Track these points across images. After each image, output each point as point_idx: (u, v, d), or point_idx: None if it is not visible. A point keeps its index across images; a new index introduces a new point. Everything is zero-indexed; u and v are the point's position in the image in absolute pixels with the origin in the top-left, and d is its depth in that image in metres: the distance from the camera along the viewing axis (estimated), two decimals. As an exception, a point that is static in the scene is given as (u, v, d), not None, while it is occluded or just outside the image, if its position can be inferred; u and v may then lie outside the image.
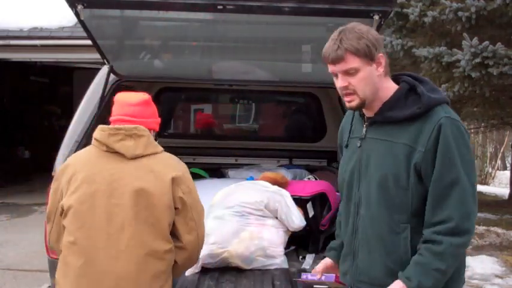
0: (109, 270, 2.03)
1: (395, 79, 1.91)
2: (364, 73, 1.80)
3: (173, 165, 2.22)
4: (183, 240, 2.19)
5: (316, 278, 2.15)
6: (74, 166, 2.17)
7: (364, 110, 1.92)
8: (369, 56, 1.79)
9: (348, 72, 1.80)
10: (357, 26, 1.83)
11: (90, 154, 2.20)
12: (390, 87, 1.88)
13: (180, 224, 2.18)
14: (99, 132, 2.18)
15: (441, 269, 1.76)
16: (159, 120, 2.39)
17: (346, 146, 2.03)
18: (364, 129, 1.93)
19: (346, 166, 2.00)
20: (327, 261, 2.19)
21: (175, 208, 2.16)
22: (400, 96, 1.86)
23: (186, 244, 2.20)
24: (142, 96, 2.34)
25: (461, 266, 1.91)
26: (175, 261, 2.21)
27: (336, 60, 1.80)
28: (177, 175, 2.16)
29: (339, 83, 1.84)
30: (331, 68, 1.85)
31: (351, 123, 2.02)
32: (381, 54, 1.82)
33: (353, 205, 1.96)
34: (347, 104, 1.88)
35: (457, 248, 1.77)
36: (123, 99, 2.31)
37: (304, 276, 2.22)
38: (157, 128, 2.37)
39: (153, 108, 2.36)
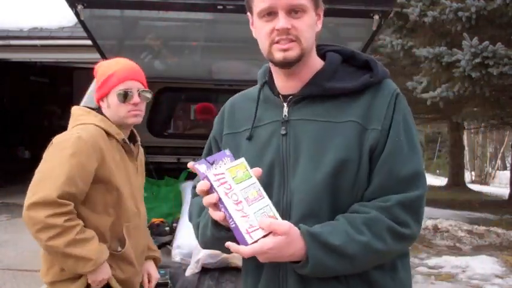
0: None
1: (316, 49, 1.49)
2: (310, 19, 1.36)
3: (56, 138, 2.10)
4: None
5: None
6: None
7: (280, 86, 1.46)
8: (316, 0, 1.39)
9: (293, 11, 1.33)
10: None
11: None
12: (316, 57, 1.46)
13: None
14: None
15: (359, 240, 1.27)
16: (99, 93, 2.23)
17: (250, 139, 1.47)
18: (286, 110, 1.42)
19: (256, 164, 1.35)
20: None
21: None
22: (336, 66, 1.44)
23: None
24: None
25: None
26: None
27: None
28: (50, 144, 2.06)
29: (280, 22, 1.32)
30: (268, 2, 1.34)
31: (256, 108, 1.49)
32: (322, 7, 1.43)
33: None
34: (281, 55, 1.36)
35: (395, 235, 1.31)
36: None
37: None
38: (98, 101, 2.25)
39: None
